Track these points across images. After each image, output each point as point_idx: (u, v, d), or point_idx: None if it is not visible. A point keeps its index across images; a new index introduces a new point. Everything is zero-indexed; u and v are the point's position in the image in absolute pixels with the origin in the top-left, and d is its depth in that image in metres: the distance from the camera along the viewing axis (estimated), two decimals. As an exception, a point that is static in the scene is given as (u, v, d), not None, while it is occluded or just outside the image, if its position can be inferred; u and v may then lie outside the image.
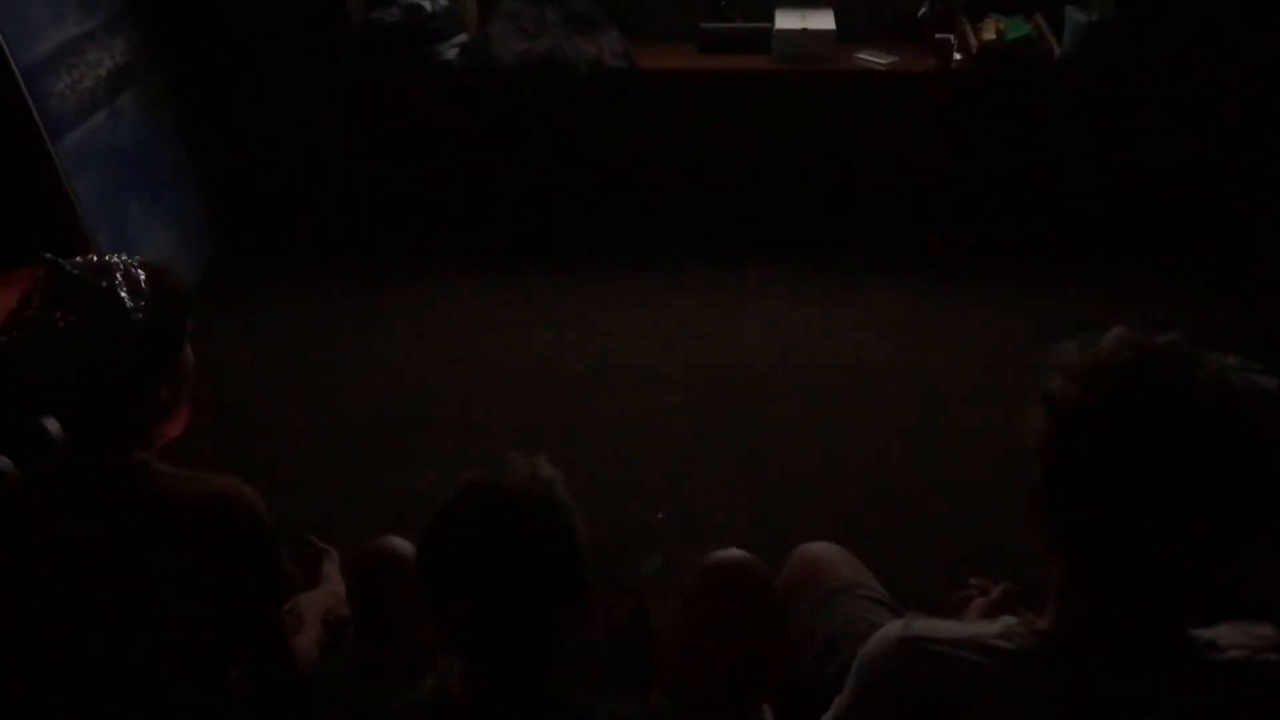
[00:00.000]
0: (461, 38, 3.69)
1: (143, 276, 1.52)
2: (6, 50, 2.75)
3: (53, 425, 2.51)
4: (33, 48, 2.86)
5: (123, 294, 1.48)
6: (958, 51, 3.62)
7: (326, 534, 2.54)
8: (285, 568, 1.65)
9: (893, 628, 1.26)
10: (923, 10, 3.67)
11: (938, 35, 3.61)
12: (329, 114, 3.73)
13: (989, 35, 3.60)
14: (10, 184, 2.97)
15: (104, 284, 1.47)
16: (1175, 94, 3.57)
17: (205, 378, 2.60)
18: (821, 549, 1.86)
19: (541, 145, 3.79)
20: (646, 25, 3.81)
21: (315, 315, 3.51)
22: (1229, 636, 1.18)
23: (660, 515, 1.89)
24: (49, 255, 1.51)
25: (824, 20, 3.68)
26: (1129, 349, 1.11)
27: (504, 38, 3.67)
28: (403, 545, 1.89)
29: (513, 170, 3.87)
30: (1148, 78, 3.54)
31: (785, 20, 3.68)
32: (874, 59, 3.66)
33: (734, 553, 1.76)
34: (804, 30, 3.64)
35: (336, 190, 3.89)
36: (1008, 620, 1.23)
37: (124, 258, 1.54)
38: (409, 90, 3.70)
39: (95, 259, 1.53)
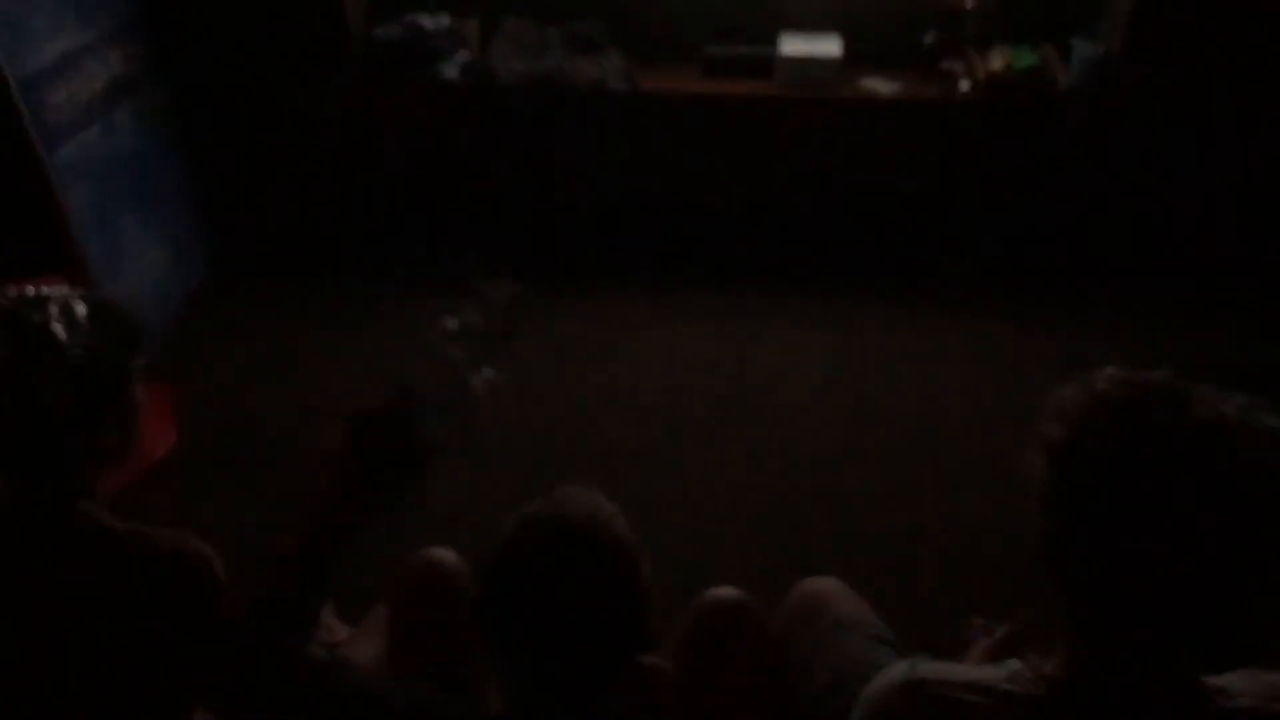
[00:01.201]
0: (463, 57, 3.67)
1: (83, 311, 1.44)
2: (3, 61, 2.73)
3: None
4: (30, 59, 2.84)
5: (58, 329, 1.40)
6: (964, 80, 3.60)
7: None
8: (236, 624, 1.53)
9: (897, 669, 1.23)
10: (929, 38, 3.65)
11: (944, 64, 3.60)
12: (328, 131, 3.71)
13: (996, 65, 3.58)
14: (3, 196, 2.93)
15: (36, 318, 1.40)
16: (1184, 126, 3.55)
17: (197, 396, 2.58)
18: (824, 584, 1.83)
19: (542, 166, 3.77)
20: (650, 48, 3.79)
21: (310, 333, 3.47)
22: (1239, 684, 1.16)
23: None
24: None
25: (829, 46, 3.66)
26: (1123, 388, 1.10)
27: (506, 57, 3.65)
28: (448, 556, 1.86)
29: (513, 191, 3.84)
30: (1156, 110, 3.52)
31: (790, 45, 3.66)
32: (879, 86, 3.64)
33: (728, 591, 1.73)
34: (809, 56, 3.62)
35: (334, 207, 3.86)
36: (1013, 664, 1.22)
37: (66, 290, 1.47)
38: (409, 108, 3.68)
39: (33, 291, 1.45)
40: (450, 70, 3.62)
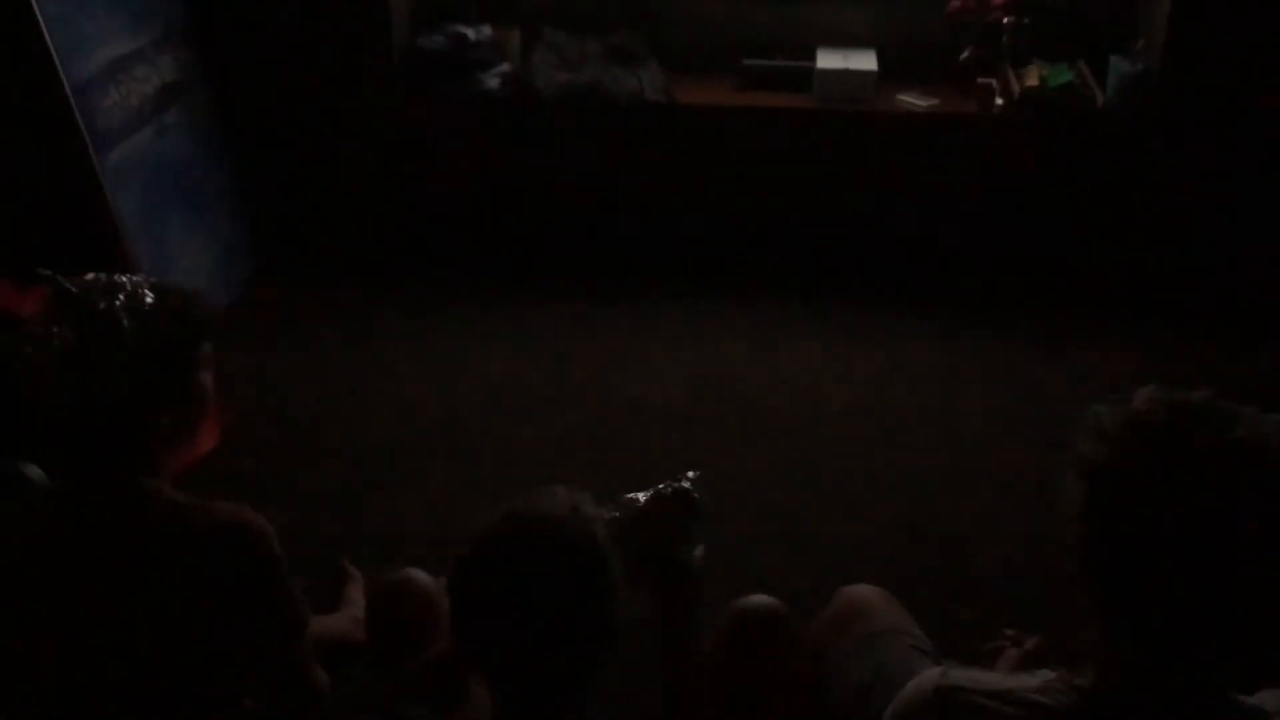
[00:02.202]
0: (504, 67, 3.72)
1: (149, 298, 1.50)
2: (58, 65, 2.80)
3: (32, 471, 2.48)
4: (84, 63, 2.91)
5: (122, 315, 1.46)
6: (999, 97, 3.62)
7: (357, 553, 2.54)
8: (297, 597, 1.62)
9: (929, 676, 1.24)
10: (965, 54, 3.67)
11: (980, 80, 3.61)
12: (371, 138, 3.77)
13: (1031, 81, 3.59)
14: (54, 197, 3.00)
15: (103, 304, 1.46)
16: (1220, 144, 3.54)
17: (240, 393, 2.62)
18: (865, 592, 1.84)
19: (579, 176, 3.81)
20: (688, 60, 3.83)
21: (351, 336, 3.52)
22: (1275, 702, 1.15)
23: (690, 476, 1.68)
24: (47, 272, 1.50)
25: (866, 61, 3.68)
26: (1164, 408, 1.10)
27: (546, 68, 3.70)
28: (422, 578, 1.88)
29: (550, 200, 3.88)
30: (1192, 128, 3.52)
31: (827, 60, 3.69)
32: (915, 101, 3.66)
33: (761, 599, 1.74)
34: (846, 70, 3.64)
35: (376, 213, 3.91)
36: (1046, 674, 1.22)
37: (135, 278, 1.53)
38: (450, 117, 3.73)
39: (105, 278, 1.52)
40: (491, 80, 3.66)
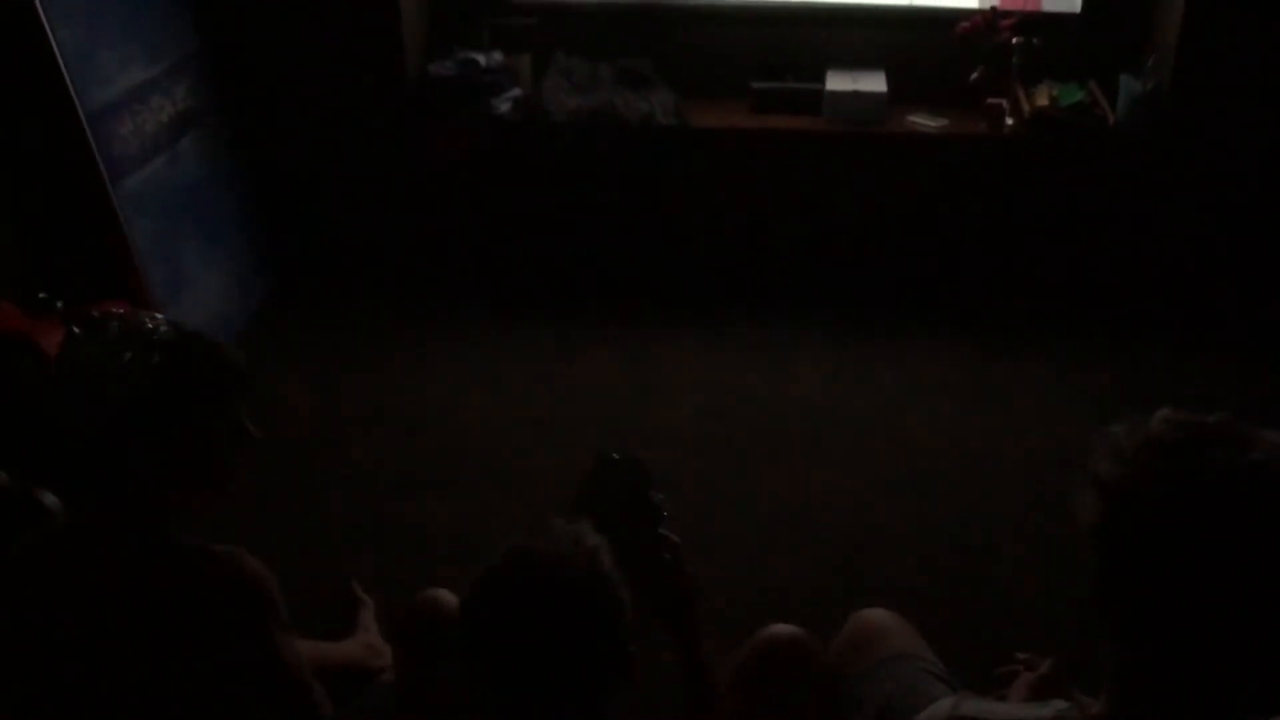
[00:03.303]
0: (515, 92, 3.74)
1: (166, 335, 1.52)
2: (74, 95, 2.82)
3: (49, 499, 2.49)
4: (99, 92, 2.94)
5: (125, 350, 1.48)
6: (1010, 116, 3.62)
7: (366, 576, 2.55)
8: (287, 646, 1.60)
9: (941, 707, 1.24)
10: (975, 75, 3.67)
11: (990, 100, 3.61)
12: (383, 163, 3.79)
13: (1042, 101, 3.60)
14: (69, 225, 3.03)
15: (107, 338, 1.49)
16: (1231, 163, 3.54)
17: (253, 422, 2.59)
18: (879, 616, 1.83)
19: (592, 200, 3.82)
20: (698, 84, 3.84)
21: (363, 360, 3.53)
22: None
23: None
24: (59, 303, 1.53)
25: (875, 82, 3.69)
26: (1180, 430, 1.09)
27: (557, 93, 3.72)
28: (450, 598, 1.87)
29: (562, 224, 3.89)
30: (1203, 146, 3.51)
31: (836, 81, 3.70)
32: (925, 122, 3.67)
33: (786, 629, 1.73)
34: (855, 92, 3.65)
35: (388, 238, 3.93)
36: (1059, 704, 1.21)
37: (154, 319, 1.54)
38: (462, 142, 3.74)
39: (131, 316, 1.54)
40: (503, 105, 3.68)
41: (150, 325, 1.52)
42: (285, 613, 1.58)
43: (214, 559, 1.54)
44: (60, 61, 2.78)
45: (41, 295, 1.53)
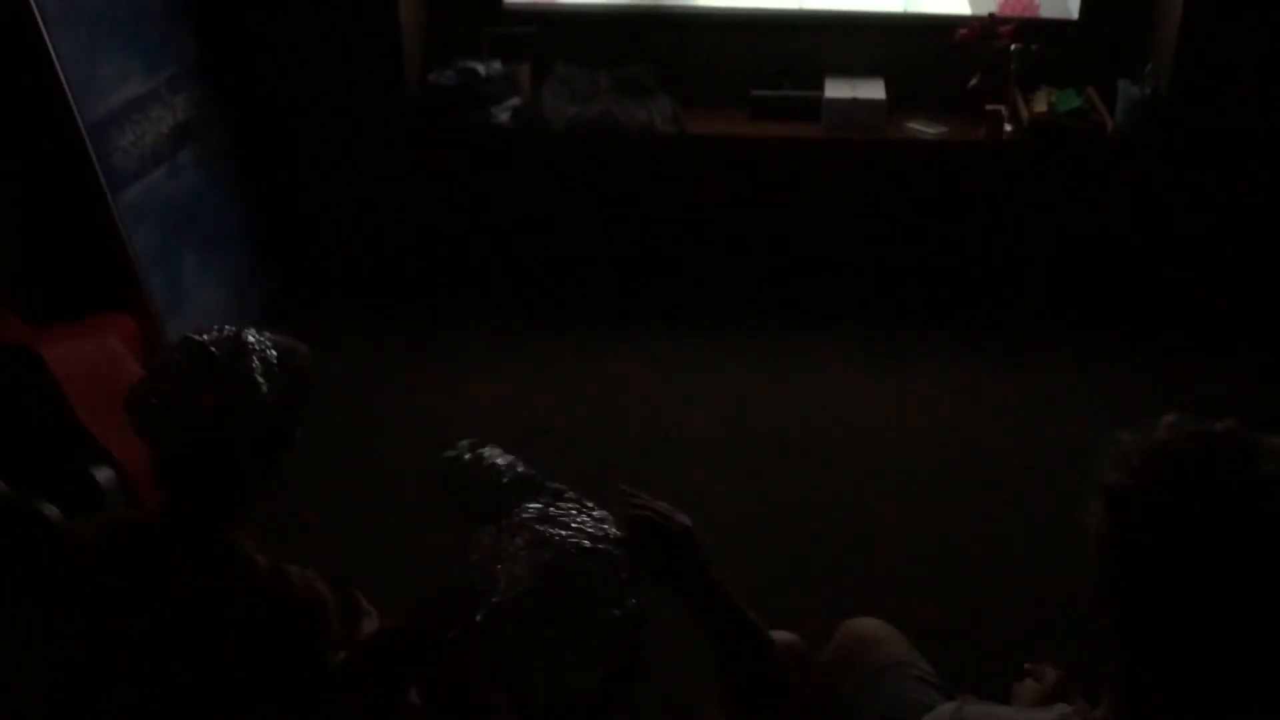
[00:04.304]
0: (514, 101, 3.75)
1: (275, 357, 1.54)
2: (74, 107, 2.83)
3: (103, 475, 2.53)
4: (99, 104, 2.94)
5: (259, 377, 1.49)
6: (1009, 123, 3.63)
7: (365, 587, 2.53)
8: (335, 666, 1.65)
9: (944, 711, 1.23)
10: (974, 81, 3.68)
11: (989, 106, 3.62)
12: (383, 173, 3.79)
13: (1041, 107, 3.60)
14: (71, 236, 3.03)
15: (240, 365, 1.49)
16: (1230, 168, 3.54)
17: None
18: (870, 625, 1.83)
19: (591, 208, 3.82)
20: (697, 92, 3.85)
21: (365, 369, 3.53)
22: None
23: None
24: (190, 335, 1.53)
25: (874, 90, 3.70)
26: (1187, 439, 1.08)
27: (556, 102, 3.72)
28: None
29: (563, 232, 3.90)
30: (1202, 151, 3.52)
31: (835, 89, 3.71)
32: (924, 129, 3.67)
33: (783, 636, 1.73)
34: (854, 99, 3.66)
35: (387, 248, 3.93)
36: (1062, 708, 1.21)
37: (258, 335, 1.56)
38: (462, 151, 3.75)
39: (230, 335, 1.54)
40: (502, 114, 3.69)
41: (259, 348, 1.53)
42: (333, 637, 1.63)
43: (292, 579, 1.57)
44: (60, 73, 2.78)
45: (188, 336, 1.57)
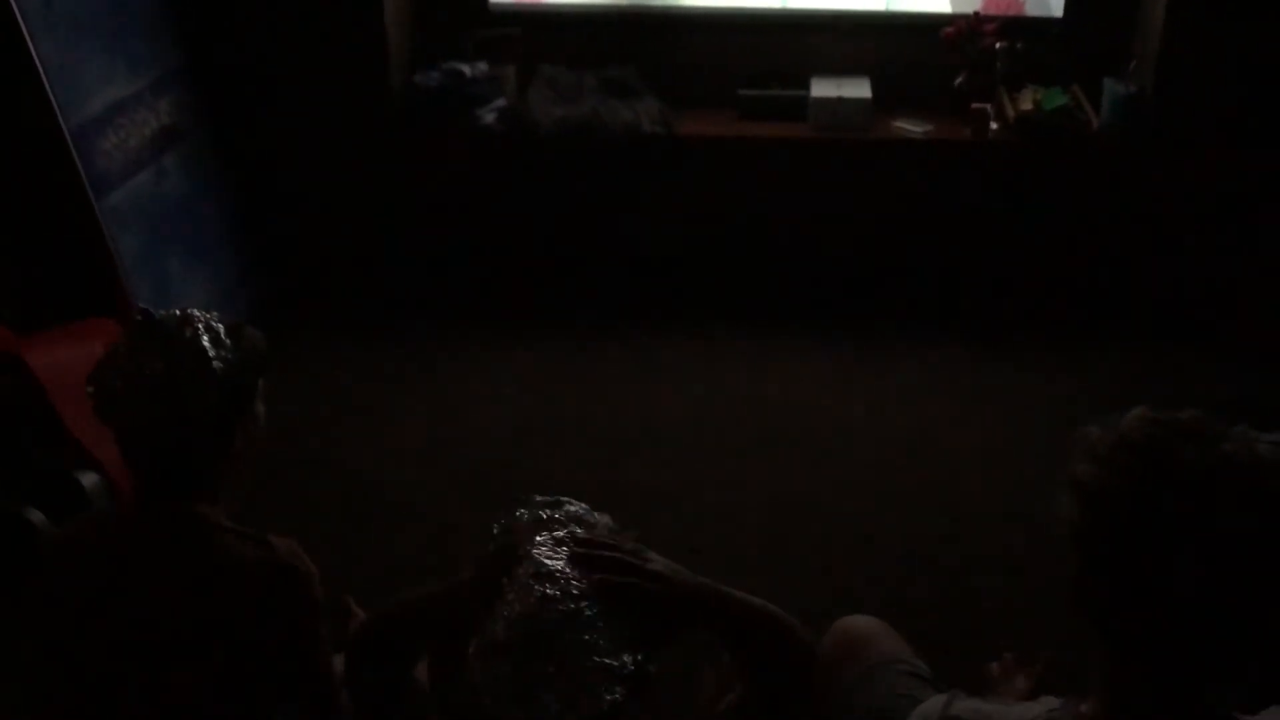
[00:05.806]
0: (500, 102, 3.74)
1: (222, 329, 1.59)
2: (57, 110, 2.81)
3: (88, 480, 2.52)
4: (82, 108, 2.92)
5: (205, 343, 1.53)
6: (995, 121, 3.63)
7: (357, 590, 2.53)
8: (325, 639, 1.67)
9: (933, 705, 1.23)
10: (960, 80, 3.69)
11: (975, 105, 3.62)
12: (369, 175, 3.78)
13: (1026, 106, 3.61)
14: (55, 240, 3.01)
15: (187, 333, 1.53)
16: (1215, 166, 3.55)
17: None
18: (862, 623, 1.83)
19: (578, 209, 3.82)
20: (684, 92, 3.85)
21: (350, 372, 3.52)
22: None
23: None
24: (143, 307, 1.58)
25: (860, 89, 3.70)
26: (1152, 426, 1.10)
27: (542, 103, 3.72)
28: None
29: (549, 234, 3.89)
30: (1187, 150, 3.53)
31: (822, 88, 3.71)
32: (910, 127, 3.68)
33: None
34: (840, 98, 3.66)
35: (374, 250, 3.93)
36: (1050, 702, 1.22)
37: (202, 313, 1.60)
38: (448, 153, 3.75)
39: (178, 312, 1.58)
40: (488, 116, 3.69)
41: (205, 321, 1.57)
42: (324, 611, 1.64)
43: (274, 549, 1.59)
44: (43, 76, 2.77)
45: (141, 307, 1.60)
